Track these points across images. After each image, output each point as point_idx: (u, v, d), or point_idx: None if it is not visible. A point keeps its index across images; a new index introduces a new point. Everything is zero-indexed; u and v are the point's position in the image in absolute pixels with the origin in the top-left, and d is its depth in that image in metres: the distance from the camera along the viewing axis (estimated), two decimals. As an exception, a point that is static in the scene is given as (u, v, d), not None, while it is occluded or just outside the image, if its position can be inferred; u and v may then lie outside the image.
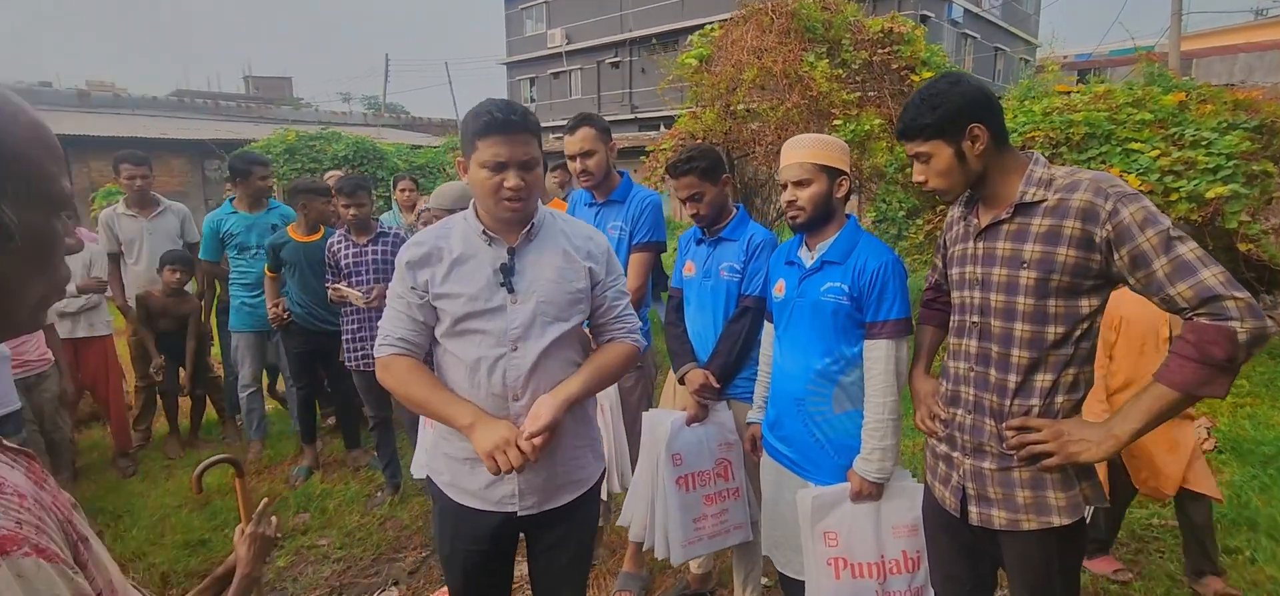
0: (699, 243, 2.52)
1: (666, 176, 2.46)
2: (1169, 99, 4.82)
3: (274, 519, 2.09)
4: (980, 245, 1.58)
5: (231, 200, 4.10)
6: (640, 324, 1.84)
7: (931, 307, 1.90)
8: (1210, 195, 4.20)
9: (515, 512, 1.63)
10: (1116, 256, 1.38)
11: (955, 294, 1.68)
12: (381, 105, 33.66)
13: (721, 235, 2.44)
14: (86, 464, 4.02)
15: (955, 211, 1.74)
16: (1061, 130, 4.79)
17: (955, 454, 1.67)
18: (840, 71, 5.62)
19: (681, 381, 2.45)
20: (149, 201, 4.15)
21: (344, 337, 3.39)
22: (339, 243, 3.42)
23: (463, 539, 1.68)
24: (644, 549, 2.56)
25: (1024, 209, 1.49)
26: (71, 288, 3.60)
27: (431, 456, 1.75)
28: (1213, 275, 1.29)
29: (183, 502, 3.45)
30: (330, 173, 4.62)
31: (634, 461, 2.64)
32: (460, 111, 29.74)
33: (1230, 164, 4.31)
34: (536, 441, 1.48)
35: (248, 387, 4.02)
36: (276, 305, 3.63)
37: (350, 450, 3.97)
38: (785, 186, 2.00)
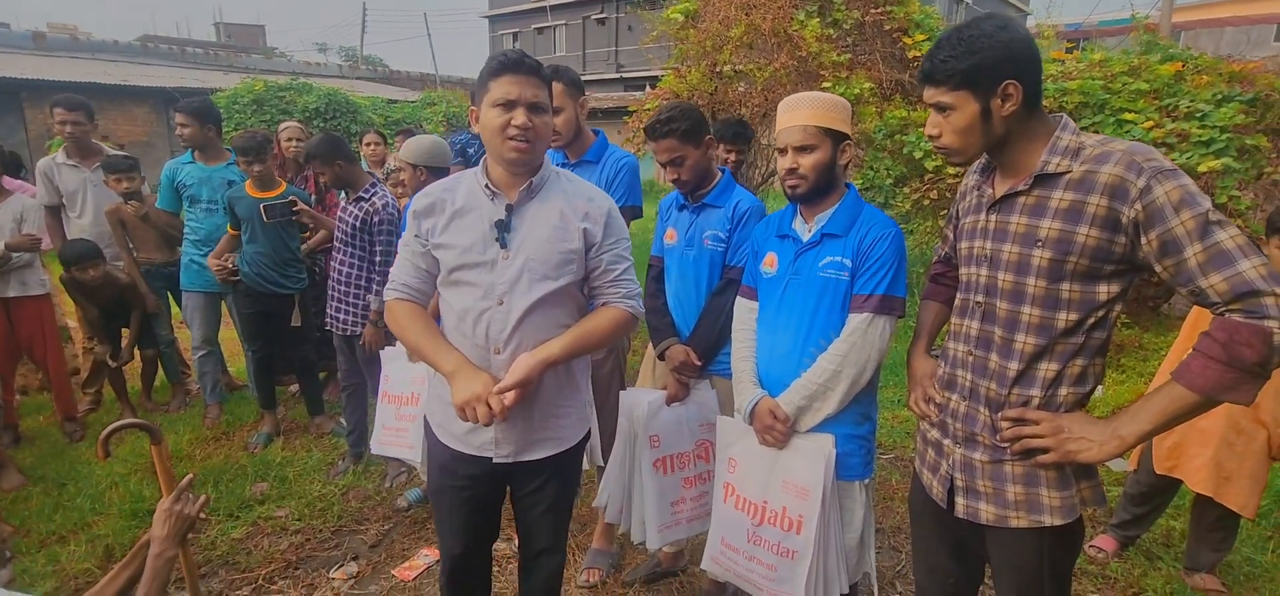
0: (681, 209, 2.36)
1: (645, 139, 2.28)
2: (1166, 69, 4.70)
3: (202, 497, 1.94)
4: (992, 218, 1.43)
5: (192, 150, 3.83)
6: (639, 289, 1.75)
7: (938, 282, 1.76)
8: (1202, 169, 4.12)
9: (491, 459, 1.68)
10: (1144, 240, 1.23)
11: (962, 270, 1.54)
12: (358, 57, 32.62)
13: (705, 201, 2.28)
14: (32, 427, 3.80)
15: (971, 178, 1.58)
16: (1055, 98, 4.66)
17: (946, 441, 1.55)
18: (831, 31, 5.42)
19: (661, 357, 2.31)
20: (91, 150, 3.87)
21: (329, 302, 3.20)
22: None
23: (448, 477, 1.76)
24: (619, 530, 2.45)
25: (1044, 181, 1.34)
26: (0, 245, 3.34)
27: (428, 398, 1.81)
28: (1253, 267, 1.15)
29: (132, 471, 3.27)
30: (284, 125, 4.33)
31: (605, 438, 2.51)
32: (440, 65, 28.90)
33: (1224, 137, 4.22)
34: (506, 398, 1.51)
35: (199, 349, 3.81)
36: (220, 258, 3.43)
37: (313, 417, 3.80)
38: (785, 151, 1.82)
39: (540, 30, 29.67)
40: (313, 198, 3.81)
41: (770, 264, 1.96)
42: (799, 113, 1.80)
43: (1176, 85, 4.65)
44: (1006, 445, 1.42)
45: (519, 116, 1.53)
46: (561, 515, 1.85)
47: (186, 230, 3.73)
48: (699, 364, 2.21)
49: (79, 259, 3.55)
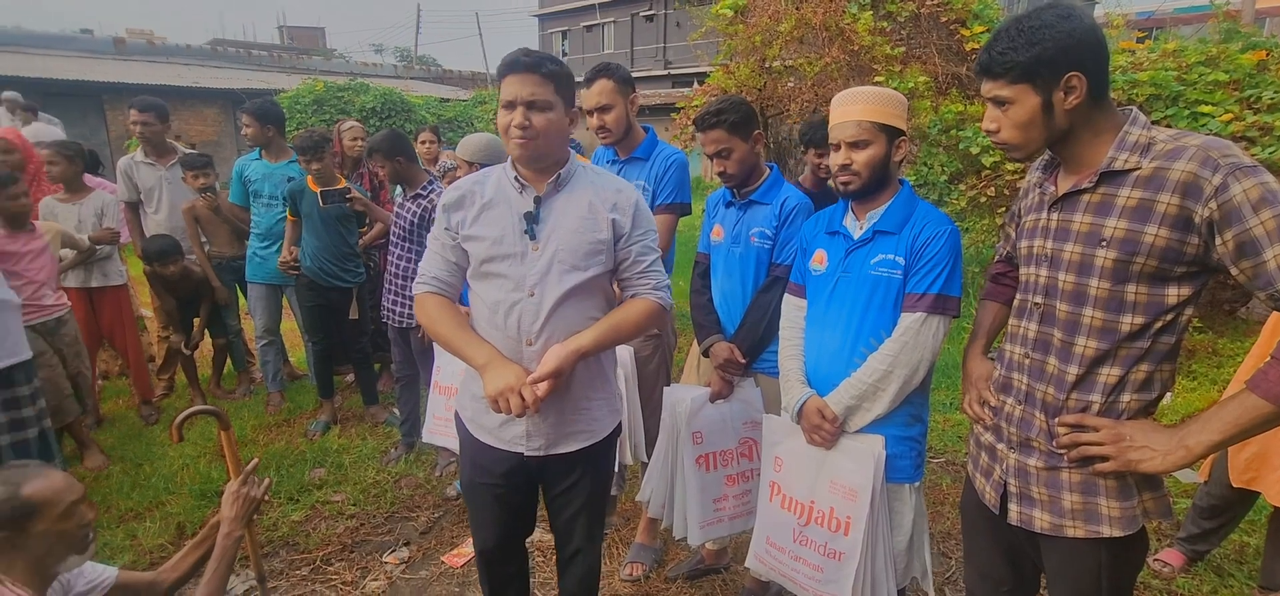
0: (728, 205, 2.35)
1: (694, 131, 2.28)
2: (1247, 58, 4.43)
3: (265, 480, 2.04)
4: (1054, 216, 1.38)
5: (259, 148, 4.01)
6: (668, 281, 1.76)
7: (999, 282, 1.70)
8: (1288, 165, 3.86)
9: (524, 453, 1.69)
10: (1219, 241, 1.17)
11: (1022, 269, 1.49)
12: (413, 57, 33.48)
13: (752, 198, 2.26)
14: (112, 410, 4.05)
15: (1034, 175, 1.52)
16: (1125, 90, 4.44)
17: (1000, 446, 1.51)
18: (885, 24, 5.29)
19: (705, 354, 2.31)
20: (166, 149, 4.09)
21: (385, 295, 3.32)
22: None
23: (480, 473, 1.77)
24: (661, 525, 2.46)
25: (1111, 178, 1.28)
26: (84, 239, 3.57)
27: (460, 393, 1.83)
28: None
29: (201, 453, 3.45)
30: (346, 124, 4.48)
31: (650, 434, 2.52)
32: (490, 64, 29.39)
33: (1313, 131, 3.95)
34: (539, 389, 1.52)
35: (262, 339, 4.00)
36: (289, 251, 3.59)
37: (368, 406, 3.93)
38: (837, 147, 1.79)
39: (589, 28, 29.86)
40: (368, 194, 3.94)
41: (820, 261, 1.93)
42: (853, 107, 1.77)
43: (1259, 75, 4.37)
44: (1063, 451, 1.37)
45: (517, 116, 1.55)
46: (595, 515, 1.85)
47: (251, 224, 3.91)
48: (744, 361, 2.20)
49: (161, 255, 3.77)
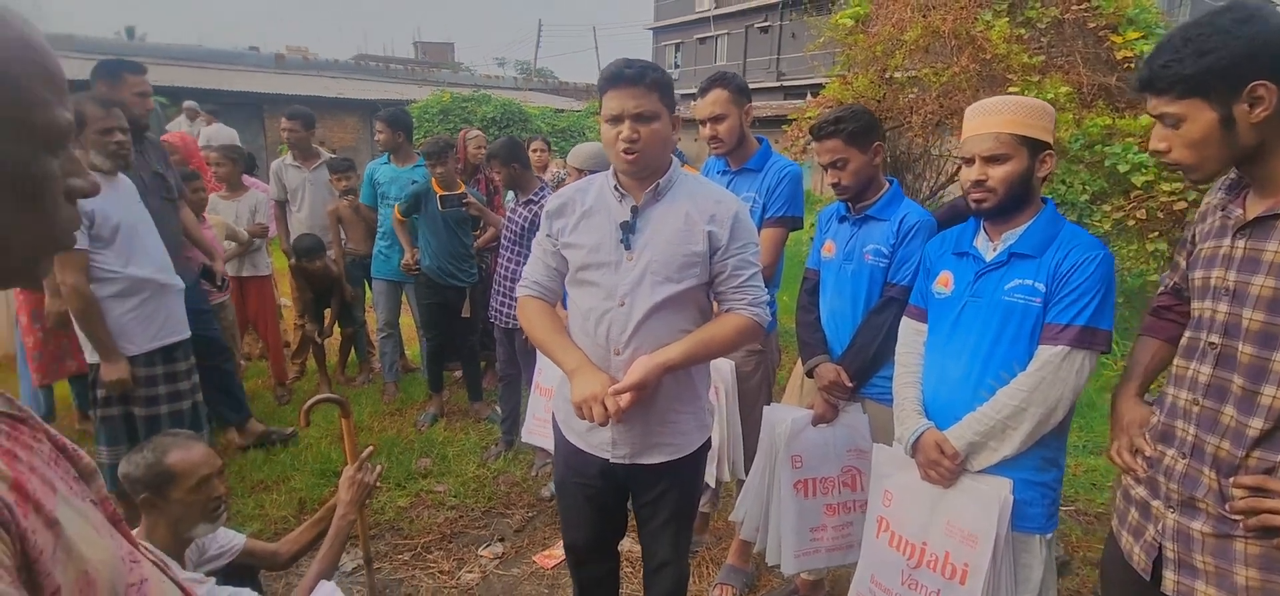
0: (841, 220, 2.23)
1: (810, 141, 2.19)
2: None
3: (378, 467, 2.14)
4: (1240, 244, 1.19)
5: (388, 153, 4.30)
6: (766, 297, 1.69)
7: (1163, 317, 1.50)
8: None
9: (609, 459, 1.69)
10: None
11: (1196, 304, 1.30)
12: (532, 69, 34.97)
13: (868, 213, 2.13)
14: (250, 389, 4.45)
15: (1214, 197, 1.33)
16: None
17: (1156, 503, 1.31)
18: (1022, 31, 4.88)
19: (810, 374, 2.20)
20: (310, 153, 4.46)
21: (494, 296, 3.46)
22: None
23: (571, 472, 1.81)
24: (754, 549, 2.37)
25: None
26: (243, 232, 3.96)
27: (556, 394, 1.87)
28: None
29: (323, 435, 3.71)
30: (470, 132, 4.72)
31: (749, 452, 2.43)
32: (604, 76, 30.06)
33: None
34: (622, 400, 1.51)
35: (382, 332, 4.27)
36: (411, 255, 3.80)
37: (473, 402, 4.08)
38: (971, 161, 1.65)
39: (702, 40, 29.94)
40: (484, 199, 4.11)
41: (944, 283, 1.79)
42: (991, 118, 1.62)
43: None
44: (1238, 517, 1.17)
45: (625, 130, 1.54)
46: (681, 528, 1.83)
47: (379, 224, 4.19)
48: (851, 384, 2.08)
49: (309, 251, 4.12)
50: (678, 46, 31.61)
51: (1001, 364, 1.64)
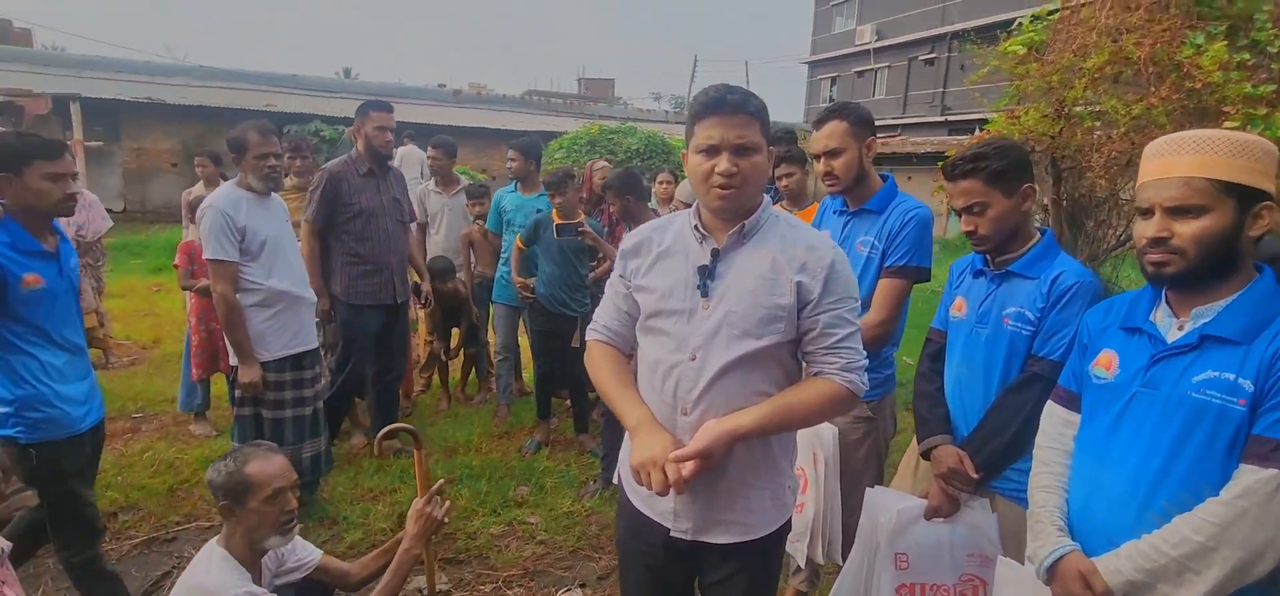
0: (977, 275, 1.89)
1: (943, 181, 1.87)
2: None
3: (447, 502, 2.09)
4: None
5: (517, 182, 4.44)
6: (864, 362, 1.43)
7: None
8: None
9: (670, 531, 1.51)
10: None
11: None
12: (685, 103, 35.61)
13: (1011, 268, 1.78)
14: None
15: None
16: None
17: None
18: (1245, 56, 4.04)
19: (926, 456, 1.86)
20: (451, 180, 4.72)
21: None
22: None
23: (633, 538, 1.63)
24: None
25: None
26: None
27: (624, 449, 1.69)
28: None
29: (430, 451, 3.82)
30: (598, 163, 4.76)
31: (849, 533, 2.11)
32: (756, 110, 29.89)
33: None
34: (684, 469, 1.32)
35: (500, 355, 4.37)
36: (523, 280, 3.86)
37: (578, 433, 4.03)
38: (1150, 212, 1.30)
39: (860, 74, 28.80)
40: (605, 229, 4.09)
41: (1107, 365, 1.41)
42: (1181, 159, 1.25)
43: None
44: None
45: (722, 163, 1.37)
46: None
47: (503, 250, 4.31)
48: (976, 476, 1.71)
49: (440, 273, 4.35)
50: (834, 81, 30.66)
51: (1182, 482, 1.24)
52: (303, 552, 2.05)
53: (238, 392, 2.92)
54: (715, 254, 1.44)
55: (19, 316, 2.08)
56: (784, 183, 3.64)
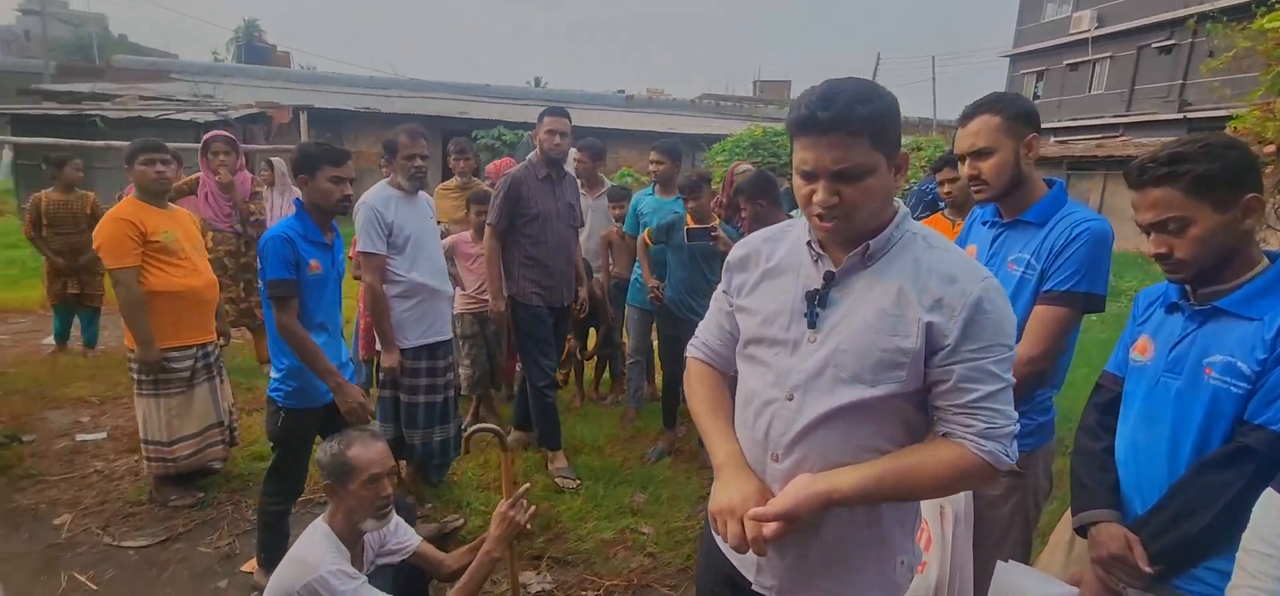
0: (1171, 309, 1.48)
1: (1127, 189, 1.49)
2: None
3: (531, 508, 2.07)
4: None
5: (656, 184, 4.41)
6: (1012, 427, 1.14)
7: None
8: None
9: (752, 584, 1.34)
10: None
11: None
12: (862, 105, 33.76)
13: (1221, 304, 1.37)
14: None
15: None
16: None
17: None
18: None
19: (1081, 532, 1.49)
20: (596, 182, 4.79)
21: None
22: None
23: (712, 577, 1.47)
24: None
25: None
26: None
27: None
28: None
29: (581, 444, 3.90)
30: (740, 165, 4.57)
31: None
32: (940, 109, 27.67)
33: None
34: (766, 529, 1.14)
35: (631, 357, 4.34)
36: (656, 282, 3.81)
37: (701, 446, 3.87)
38: None
39: (1073, 66, 25.30)
40: (740, 235, 3.90)
41: None
42: None
43: None
44: None
45: (820, 193, 1.15)
46: None
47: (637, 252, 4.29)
48: (1148, 570, 1.33)
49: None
50: (1040, 75, 27.22)
51: None
52: (404, 536, 2.14)
53: (381, 375, 3.16)
54: (829, 278, 1.21)
55: (298, 297, 2.46)
56: (947, 189, 3.22)
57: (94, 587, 2.64)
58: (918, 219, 1.62)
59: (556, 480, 3.49)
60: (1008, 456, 1.14)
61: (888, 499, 1.20)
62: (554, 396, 3.69)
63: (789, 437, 1.22)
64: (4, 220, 13.00)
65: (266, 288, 2.44)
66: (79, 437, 3.77)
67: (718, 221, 3.71)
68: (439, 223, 4.26)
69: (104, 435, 3.81)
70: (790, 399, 1.22)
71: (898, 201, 1.23)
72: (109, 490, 3.29)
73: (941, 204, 3.41)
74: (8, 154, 11.97)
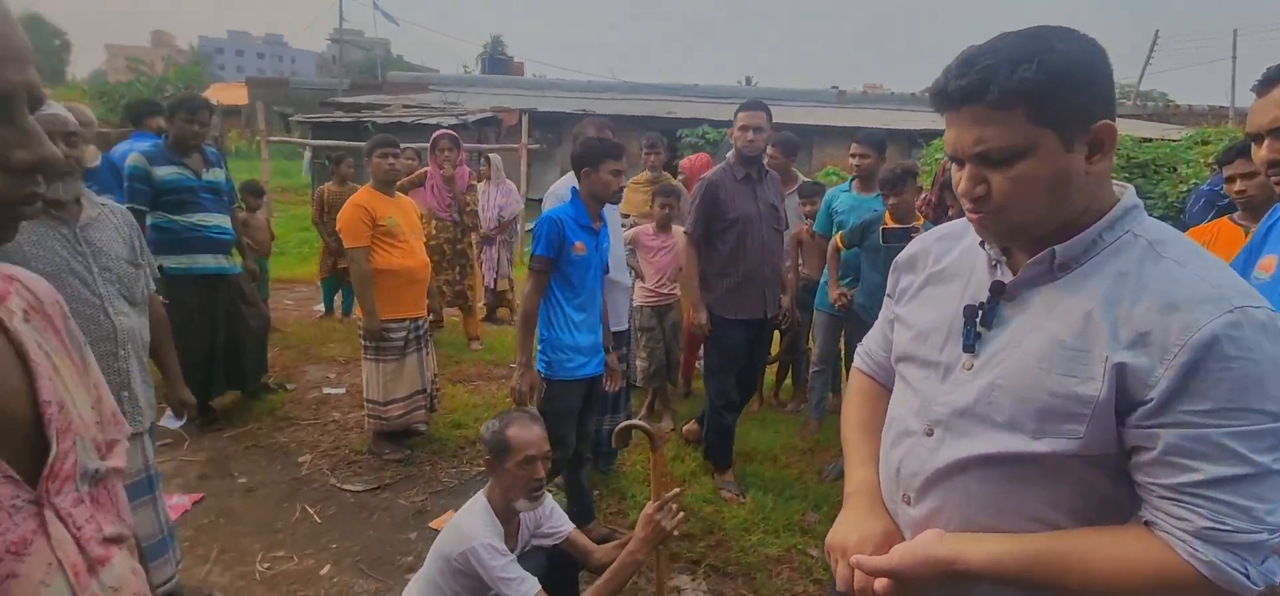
0: None
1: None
2: None
3: (680, 514, 1.96)
4: None
5: (853, 180, 4.08)
6: (1258, 536, 0.79)
7: None
8: None
9: None
10: None
11: None
12: (1132, 91, 28.53)
13: None
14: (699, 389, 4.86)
15: None
16: None
17: None
18: None
19: None
20: (789, 178, 4.54)
21: None
22: None
23: None
24: None
25: None
26: None
27: None
28: None
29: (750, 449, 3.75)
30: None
31: None
32: (1238, 95, 22.47)
33: None
34: (877, 584, 0.96)
35: (815, 366, 4.04)
36: (842, 289, 3.51)
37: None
38: None
39: None
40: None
41: None
42: None
43: None
44: None
45: (964, 181, 0.93)
46: None
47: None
48: None
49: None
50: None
51: None
52: (557, 520, 2.17)
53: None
54: (997, 289, 0.96)
55: (561, 273, 2.72)
56: (1239, 186, 2.49)
57: (319, 521, 3.08)
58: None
59: (720, 492, 3.34)
60: (1246, 576, 0.78)
61: (1040, 587, 0.90)
62: (733, 420, 3.42)
63: (921, 480, 1.01)
64: (304, 208, 16.12)
65: (530, 261, 2.72)
66: (325, 390, 4.46)
67: (921, 222, 3.31)
68: (626, 215, 4.35)
69: (344, 390, 4.46)
70: (929, 434, 1.01)
71: (1120, 189, 0.92)
72: (341, 438, 3.83)
73: (1228, 207, 2.66)
74: (308, 154, 14.86)
